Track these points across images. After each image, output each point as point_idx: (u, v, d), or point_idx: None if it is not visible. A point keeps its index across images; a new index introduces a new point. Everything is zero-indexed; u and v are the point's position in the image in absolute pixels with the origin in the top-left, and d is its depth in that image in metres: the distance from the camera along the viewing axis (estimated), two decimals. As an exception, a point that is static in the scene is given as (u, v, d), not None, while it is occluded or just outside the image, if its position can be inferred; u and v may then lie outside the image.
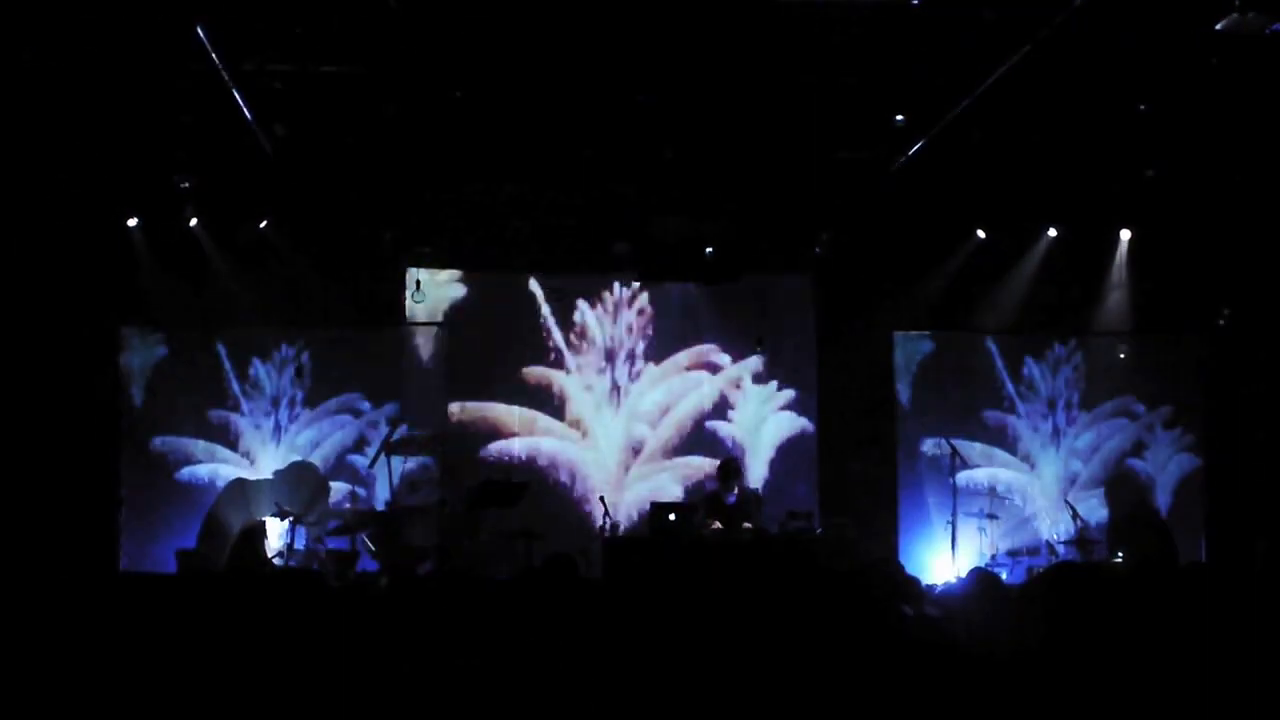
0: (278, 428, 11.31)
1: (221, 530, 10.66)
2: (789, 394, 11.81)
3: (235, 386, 11.28)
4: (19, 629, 4.54)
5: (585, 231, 11.32)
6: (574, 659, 4.15)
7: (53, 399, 10.52)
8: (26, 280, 10.51)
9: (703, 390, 11.79)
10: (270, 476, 11.09)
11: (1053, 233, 11.69)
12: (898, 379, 11.85)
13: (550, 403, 11.64)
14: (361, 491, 11.16)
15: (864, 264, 11.65)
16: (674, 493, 11.42)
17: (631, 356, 11.78)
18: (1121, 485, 11.78)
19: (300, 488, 10.98)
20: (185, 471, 11.13)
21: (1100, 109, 9.51)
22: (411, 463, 11.19)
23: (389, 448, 10.79)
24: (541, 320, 11.68)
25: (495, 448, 11.49)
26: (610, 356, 11.74)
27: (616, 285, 11.77)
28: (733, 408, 11.82)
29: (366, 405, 11.37)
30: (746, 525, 9.85)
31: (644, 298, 11.80)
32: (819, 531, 10.21)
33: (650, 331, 11.81)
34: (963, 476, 11.10)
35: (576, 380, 11.68)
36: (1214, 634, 4.31)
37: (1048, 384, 12.00)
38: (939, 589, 9.60)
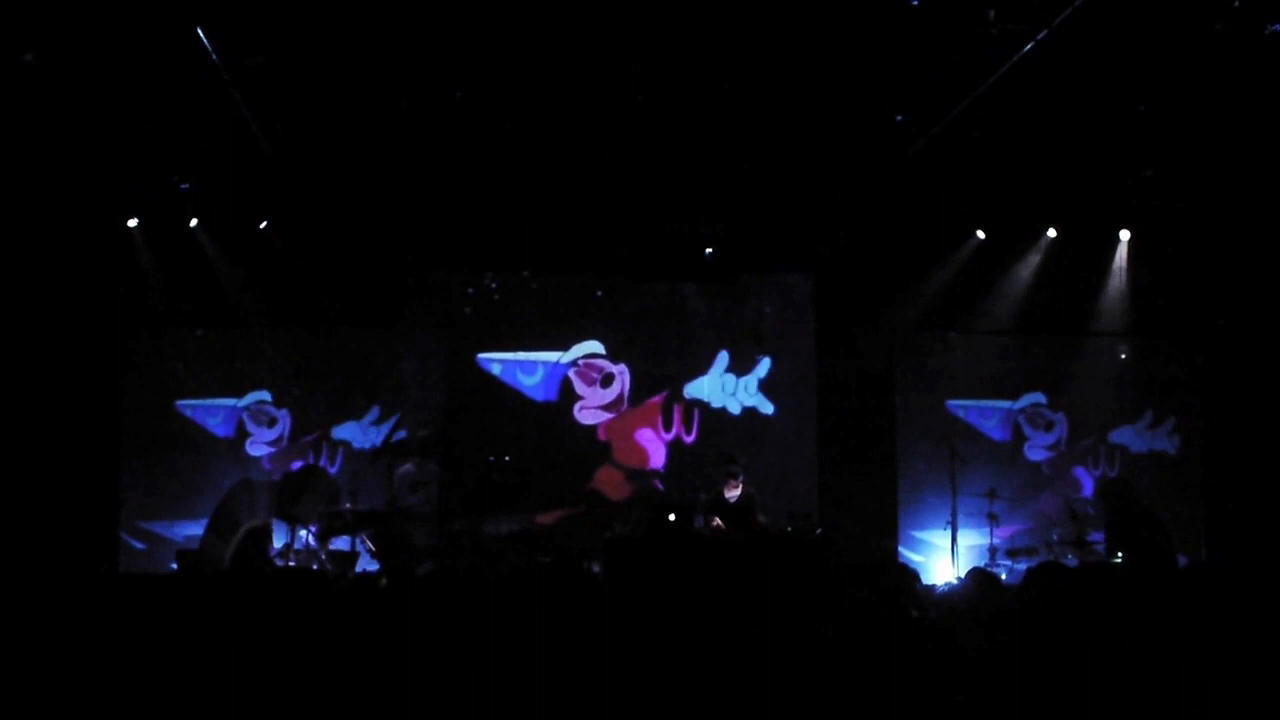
0: (280, 428, 11.31)
1: (227, 529, 10.65)
2: (789, 393, 11.80)
3: (236, 387, 11.28)
4: (19, 629, 4.55)
5: (585, 231, 11.30)
6: (575, 658, 4.15)
7: (52, 399, 10.52)
8: (26, 280, 10.51)
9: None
10: (277, 478, 11.12)
11: (1052, 233, 11.70)
12: (897, 378, 11.84)
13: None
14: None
15: (864, 263, 11.64)
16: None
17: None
18: (1119, 486, 11.76)
19: (306, 490, 10.99)
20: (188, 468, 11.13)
21: (1100, 109, 9.50)
22: (411, 463, 11.20)
23: (389, 448, 10.79)
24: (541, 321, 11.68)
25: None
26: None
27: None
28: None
29: (367, 405, 11.37)
30: (750, 523, 9.85)
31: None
32: (819, 531, 10.21)
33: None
34: (963, 477, 11.10)
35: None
36: (1212, 634, 4.32)
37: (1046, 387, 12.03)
38: (939, 589, 9.62)
